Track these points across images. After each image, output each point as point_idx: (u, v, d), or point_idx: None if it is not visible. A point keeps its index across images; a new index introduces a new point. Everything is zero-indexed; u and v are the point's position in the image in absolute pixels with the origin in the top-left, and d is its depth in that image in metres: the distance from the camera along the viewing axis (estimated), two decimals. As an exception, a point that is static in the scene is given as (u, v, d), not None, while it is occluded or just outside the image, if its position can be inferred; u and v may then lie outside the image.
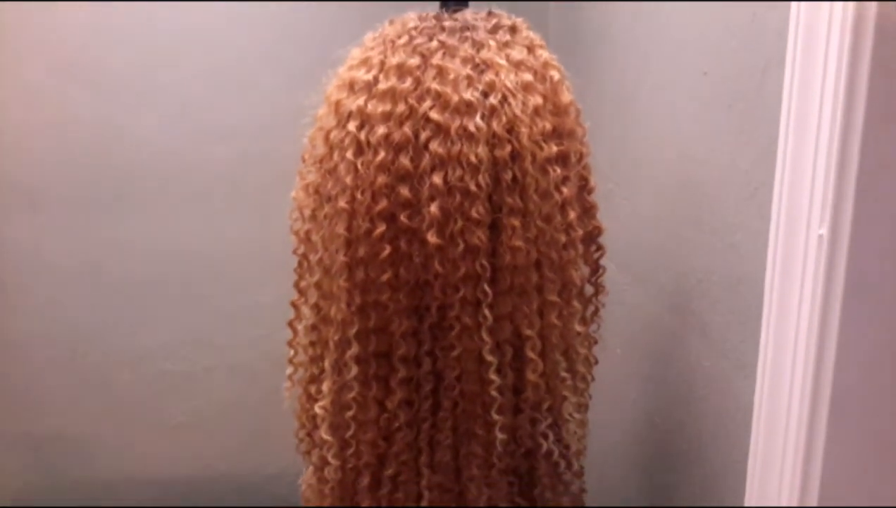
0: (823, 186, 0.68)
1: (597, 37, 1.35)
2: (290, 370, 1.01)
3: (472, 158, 0.81)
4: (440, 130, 0.82)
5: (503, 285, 0.86)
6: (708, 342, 0.99)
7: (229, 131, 1.51)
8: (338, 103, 0.88)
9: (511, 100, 0.83)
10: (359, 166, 0.84)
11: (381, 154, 0.83)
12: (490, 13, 0.91)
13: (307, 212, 0.94)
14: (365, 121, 0.85)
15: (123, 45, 1.46)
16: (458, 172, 0.82)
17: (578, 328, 0.94)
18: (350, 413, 0.91)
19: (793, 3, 0.71)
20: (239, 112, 1.51)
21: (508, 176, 0.83)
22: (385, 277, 0.85)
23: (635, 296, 1.22)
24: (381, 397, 0.90)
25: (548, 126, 0.85)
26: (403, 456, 0.92)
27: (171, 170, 1.52)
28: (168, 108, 1.50)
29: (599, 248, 0.98)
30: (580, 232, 0.92)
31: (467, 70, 0.84)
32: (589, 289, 0.98)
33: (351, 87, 0.87)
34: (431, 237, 0.83)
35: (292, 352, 1.00)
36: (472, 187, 0.82)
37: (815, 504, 0.73)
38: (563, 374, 0.93)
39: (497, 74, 0.84)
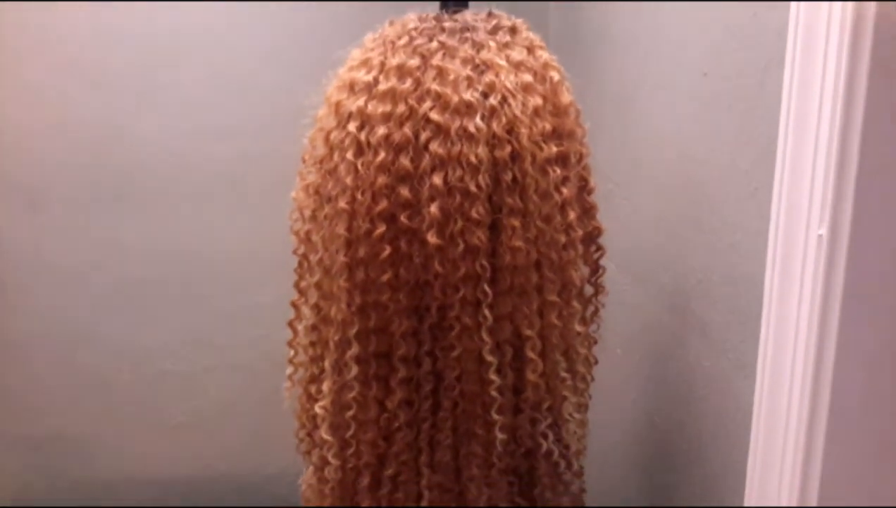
0: (823, 186, 0.68)
1: (597, 37, 1.35)
2: (290, 370, 1.01)
3: (472, 159, 0.81)
4: (440, 130, 0.82)
5: (503, 285, 0.86)
6: (708, 342, 0.99)
7: (229, 131, 1.51)
8: (338, 104, 0.88)
9: (511, 101, 0.83)
10: (359, 167, 0.84)
11: (382, 155, 0.83)
12: (490, 14, 0.91)
13: (307, 212, 0.94)
14: (365, 121, 0.85)
15: (123, 45, 1.46)
16: (458, 172, 0.82)
17: (578, 328, 0.94)
18: (350, 413, 0.91)
19: (792, 4, 0.71)
20: (239, 112, 1.51)
21: (508, 177, 0.83)
22: (385, 277, 0.85)
23: (635, 296, 1.22)
24: (381, 397, 0.90)
25: (548, 127, 0.85)
26: (403, 456, 0.92)
27: (171, 170, 1.52)
28: (168, 108, 1.50)
29: (599, 248, 0.98)
30: (580, 232, 0.92)
31: (467, 71, 0.84)
32: (589, 289, 0.98)
33: (351, 87, 0.87)
34: (431, 238, 0.83)
35: (292, 352, 1.00)
36: (472, 188, 0.82)
37: (814, 504, 0.73)
38: (563, 374, 0.93)
39: (497, 75, 0.84)
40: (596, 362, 1.02)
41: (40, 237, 1.53)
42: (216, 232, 1.56)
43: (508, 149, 0.83)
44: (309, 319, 0.97)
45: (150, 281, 1.57)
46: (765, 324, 0.79)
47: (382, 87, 0.84)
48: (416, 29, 0.88)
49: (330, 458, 0.94)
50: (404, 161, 0.83)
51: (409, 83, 0.84)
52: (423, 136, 0.83)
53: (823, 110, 0.67)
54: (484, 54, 0.85)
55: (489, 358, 0.87)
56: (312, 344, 0.98)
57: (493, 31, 0.88)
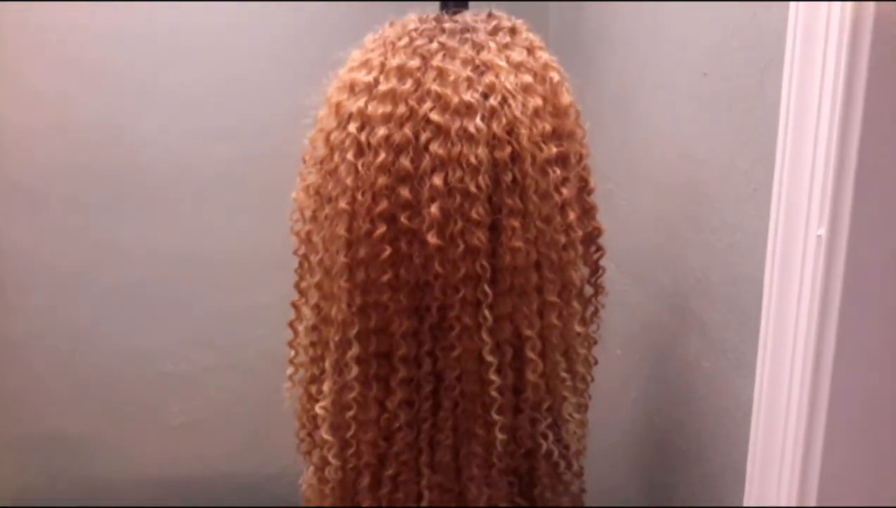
0: (822, 186, 0.68)
1: (597, 37, 1.35)
2: (290, 370, 1.01)
3: (472, 160, 0.81)
4: (440, 131, 0.82)
5: (503, 285, 0.86)
6: (707, 342, 0.99)
7: (229, 131, 1.51)
8: (338, 105, 0.88)
9: (511, 101, 0.83)
10: (359, 167, 0.85)
11: (382, 155, 0.83)
12: (490, 15, 0.91)
13: (308, 213, 0.94)
14: (365, 122, 0.85)
15: (123, 45, 1.46)
16: (459, 173, 0.82)
17: (578, 328, 0.95)
18: (350, 413, 0.91)
19: (791, 4, 0.71)
20: (239, 112, 1.51)
21: (508, 177, 0.83)
22: (385, 277, 0.85)
23: (635, 296, 1.22)
24: (381, 397, 0.90)
25: (547, 127, 0.85)
26: (404, 456, 0.92)
27: (171, 170, 1.52)
28: (168, 108, 1.49)
29: (599, 249, 0.98)
30: (580, 233, 0.92)
31: (467, 72, 0.84)
32: (589, 289, 0.98)
33: (351, 88, 0.87)
34: (432, 238, 0.83)
35: (293, 352, 1.00)
36: (472, 188, 0.82)
37: (813, 504, 0.73)
38: (563, 374, 0.94)
39: (497, 76, 0.84)
40: (596, 362, 1.02)
41: (40, 238, 1.52)
42: (216, 232, 1.56)
43: (508, 150, 0.83)
44: (309, 319, 0.97)
45: (150, 281, 1.57)
46: (764, 324, 0.79)
47: (383, 87, 0.85)
48: (416, 30, 0.88)
49: (330, 458, 0.94)
50: (404, 162, 0.83)
51: (409, 84, 0.84)
52: (424, 136, 0.83)
53: (823, 110, 0.67)
54: (484, 55, 0.85)
55: (489, 358, 0.87)
56: (313, 345, 0.98)
57: (493, 32, 0.88)
